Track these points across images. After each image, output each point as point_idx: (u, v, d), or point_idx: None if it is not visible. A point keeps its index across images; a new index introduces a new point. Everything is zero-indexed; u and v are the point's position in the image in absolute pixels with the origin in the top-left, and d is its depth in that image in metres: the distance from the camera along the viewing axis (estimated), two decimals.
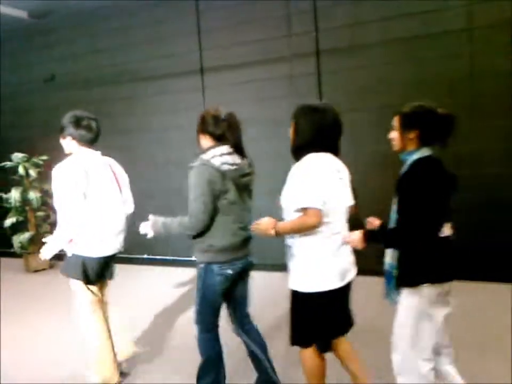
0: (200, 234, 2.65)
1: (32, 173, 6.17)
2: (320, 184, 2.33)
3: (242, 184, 2.69)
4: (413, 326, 2.25)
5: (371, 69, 5.00)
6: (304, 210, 2.31)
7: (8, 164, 6.25)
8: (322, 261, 2.40)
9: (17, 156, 6.28)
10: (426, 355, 2.27)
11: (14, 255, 6.47)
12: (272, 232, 2.39)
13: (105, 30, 6.33)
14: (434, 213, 2.15)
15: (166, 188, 6.15)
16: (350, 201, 2.54)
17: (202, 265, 2.71)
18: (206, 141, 2.74)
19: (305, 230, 2.35)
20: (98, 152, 3.18)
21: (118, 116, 6.33)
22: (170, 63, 5.94)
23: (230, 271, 2.70)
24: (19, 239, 6.19)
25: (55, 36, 6.69)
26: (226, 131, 2.68)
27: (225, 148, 2.66)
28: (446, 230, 2.25)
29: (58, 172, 2.93)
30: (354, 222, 2.52)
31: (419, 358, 2.27)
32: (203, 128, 2.74)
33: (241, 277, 2.83)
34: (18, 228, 6.29)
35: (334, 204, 2.39)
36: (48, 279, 5.89)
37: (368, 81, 5.02)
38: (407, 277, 2.23)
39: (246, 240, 2.76)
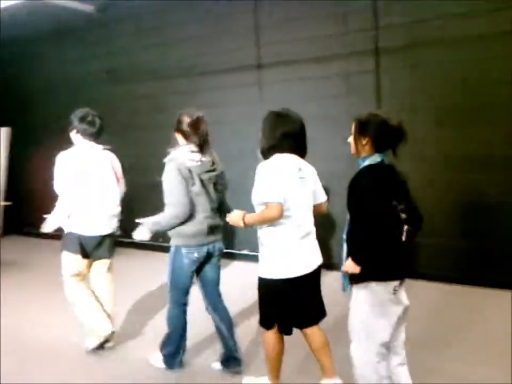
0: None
1: None
2: (280, 181, 2.61)
3: (206, 178, 3.04)
4: (363, 319, 2.41)
5: (430, 67, 4.87)
6: (266, 204, 2.60)
7: None
8: (286, 251, 2.68)
9: None
10: (377, 349, 2.40)
11: None
12: (241, 223, 2.71)
13: (164, 25, 6.46)
14: (380, 218, 2.28)
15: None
16: (319, 198, 2.86)
17: (172, 248, 3.11)
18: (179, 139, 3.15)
19: (267, 221, 2.65)
20: (100, 146, 3.61)
21: (173, 109, 6.44)
22: (227, 58, 5.99)
23: (196, 255, 3.08)
24: None
25: (116, 29, 6.89)
26: (193, 131, 3.07)
27: (192, 146, 3.04)
28: (404, 231, 2.38)
29: (57, 159, 3.45)
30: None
31: (371, 351, 2.40)
32: (177, 127, 3.17)
33: (209, 261, 3.18)
34: None
35: (295, 199, 2.67)
36: None
37: (427, 80, 4.89)
38: (357, 273, 2.37)
39: (213, 228, 3.11)
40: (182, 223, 3.01)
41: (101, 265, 3.67)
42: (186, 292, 3.18)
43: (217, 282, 3.31)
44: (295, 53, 5.53)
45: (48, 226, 3.52)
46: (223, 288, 3.35)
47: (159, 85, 6.57)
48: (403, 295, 2.49)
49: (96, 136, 3.59)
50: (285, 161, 2.71)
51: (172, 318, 3.24)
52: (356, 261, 2.34)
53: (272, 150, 2.74)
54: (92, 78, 7.18)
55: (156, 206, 3.15)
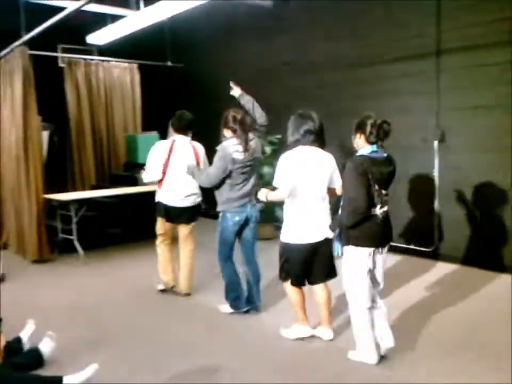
0: (216, 194, 4.09)
1: (268, 150, 6.71)
2: (290, 170, 3.41)
3: (246, 166, 4.01)
4: (348, 272, 3.24)
5: None
6: (278, 186, 3.44)
7: None
8: (293, 223, 3.51)
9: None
10: (362, 296, 3.21)
11: None
12: (264, 198, 3.55)
13: (342, 15, 6.47)
14: (358, 197, 3.07)
15: None
16: (333, 183, 3.55)
17: (221, 213, 4.09)
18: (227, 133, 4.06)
19: (278, 199, 3.55)
20: (188, 138, 4.69)
21: (349, 98, 6.47)
22: (404, 45, 5.79)
23: (237, 218, 4.02)
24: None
25: (295, 21, 7.09)
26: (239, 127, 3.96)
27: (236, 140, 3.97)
28: (377, 210, 3.12)
29: (155, 145, 4.69)
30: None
31: (358, 295, 3.22)
32: (225, 123, 4.04)
33: (247, 225, 4.09)
34: None
35: (303, 183, 3.42)
36: None
37: None
38: (344, 239, 3.20)
39: (249, 199, 4.06)
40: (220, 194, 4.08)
41: (183, 229, 4.73)
42: (232, 248, 4.13)
43: (253, 242, 4.17)
44: (477, 37, 5.12)
45: (143, 177, 4.71)
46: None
47: (336, 76, 6.63)
48: (379, 261, 3.24)
49: (185, 129, 4.67)
50: (297, 154, 3.46)
51: (224, 270, 4.17)
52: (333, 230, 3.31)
53: (295, 143, 3.48)
54: (272, 69, 7.51)
55: None
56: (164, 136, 8.74)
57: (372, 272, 3.23)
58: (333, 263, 3.59)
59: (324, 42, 6.72)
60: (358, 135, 3.22)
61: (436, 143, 5.59)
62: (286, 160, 3.46)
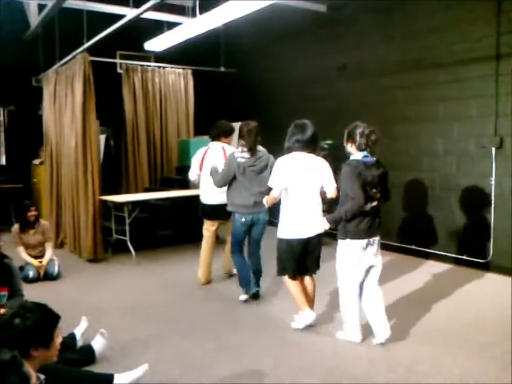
0: (227, 195, 4.72)
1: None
2: (282, 172, 3.86)
3: (249, 170, 4.53)
4: (341, 261, 3.72)
5: None
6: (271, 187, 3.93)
7: None
8: (286, 221, 3.93)
9: None
10: (352, 283, 3.70)
11: None
12: (265, 202, 4.06)
13: (396, 19, 6.38)
14: (356, 195, 3.50)
15: (444, 178, 5.96)
16: (324, 186, 3.92)
17: (232, 213, 4.71)
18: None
19: (272, 200, 3.97)
20: (221, 144, 5.28)
21: (403, 103, 6.36)
22: (463, 49, 5.64)
23: (243, 219, 4.60)
24: None
25: (348, 26, 7.05)
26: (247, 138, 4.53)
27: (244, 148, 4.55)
28: (367, 207, 3.57)
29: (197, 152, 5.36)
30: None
31: (349, 282, 3.71)
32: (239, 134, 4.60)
33: (255, 225, 4.65)
34: None
35: (294, 185, 3.86)
36: None
37: None
38: (339, 233, 3.70)
39: (254, 203, 4.52)
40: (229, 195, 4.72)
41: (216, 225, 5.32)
42: (242, 243, 4.77)
43: (258, 239, 4.76)
44: None
45: (189, 176, 5.38)
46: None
47: (390, 80, 6.54)
48: (371, 251, 3.66)
49: (219, 137, 5.30)
50: (289, 159, 3.89)
51: (236, 261, 4.80)
52: (330, 222, 3.72)
53: (288, 150, 3.93)
54: (325, 74, 7.49)
55: None
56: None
57: (364, 261, 3.67)
58: (319, 256, 4.06)
59: (376, 46, 6.64)
60: (349, 144, 3.68)
61: (493, 149, 5.41)
62: (280, 163, 3.92)
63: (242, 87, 9.10)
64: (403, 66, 6.34)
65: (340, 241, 3.72)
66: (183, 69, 8.93)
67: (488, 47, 5.37)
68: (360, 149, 3.60)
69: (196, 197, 5.62)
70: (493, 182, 5.44)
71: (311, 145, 3.90)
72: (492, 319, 4.18)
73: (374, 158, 3.64)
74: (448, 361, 3.43)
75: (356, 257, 3.65)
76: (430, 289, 5.00)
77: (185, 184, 7.66)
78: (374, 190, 3.59)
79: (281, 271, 4.04)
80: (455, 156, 5.84)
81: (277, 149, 4.21)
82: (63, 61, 7.10)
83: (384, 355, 3.56)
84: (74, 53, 6.64)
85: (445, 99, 5.90)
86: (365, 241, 3.63)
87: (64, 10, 6.92)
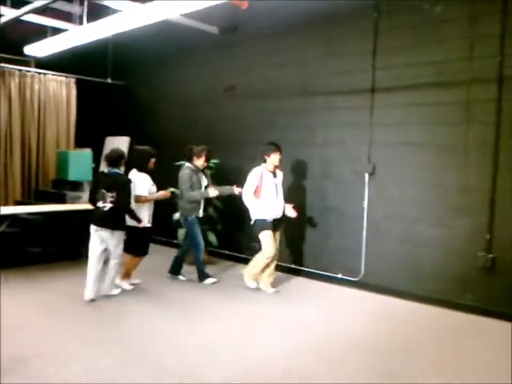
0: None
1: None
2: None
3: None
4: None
5: None
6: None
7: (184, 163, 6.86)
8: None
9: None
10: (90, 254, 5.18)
11: (177, 245, 7.05)
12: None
13: (283, 46, 6.65)
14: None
15: (319, 201, 6.25)
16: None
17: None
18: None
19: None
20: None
21: (287, 128, 6.61)
22: (342, 80, 6.03)
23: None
24: (182, 233, 6.74)
25: (238, 50, 7.22)
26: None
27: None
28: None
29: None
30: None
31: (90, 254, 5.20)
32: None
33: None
34: None
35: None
36: None
37: None
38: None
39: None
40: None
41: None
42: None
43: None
44: (412, 77, 5.42)
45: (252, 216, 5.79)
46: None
47: (276, 103, 6.77)
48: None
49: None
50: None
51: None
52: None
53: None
54: (213, 94, 7.57)
55: None
56: (97, 153, 8.58)
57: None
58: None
59: (265, 70, 6.87)
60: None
61: (366, 175, 5.81)
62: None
63: (129, 101, 8.89)
64: (287, 91, 6.61)
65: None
66: (65, 77, 8.52)
67: (365, 81, 5.79)
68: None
69: (73, 212, 5.33)
70: (365, 206, 5.82)
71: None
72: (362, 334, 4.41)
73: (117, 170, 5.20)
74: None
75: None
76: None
77: (62, 198, 7.25)
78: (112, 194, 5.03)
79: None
80: (331, 179, 6.17)
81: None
82: None
83: None
84: None
85: (323, 126, 6.24)
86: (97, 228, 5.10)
87: None
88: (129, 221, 5.27)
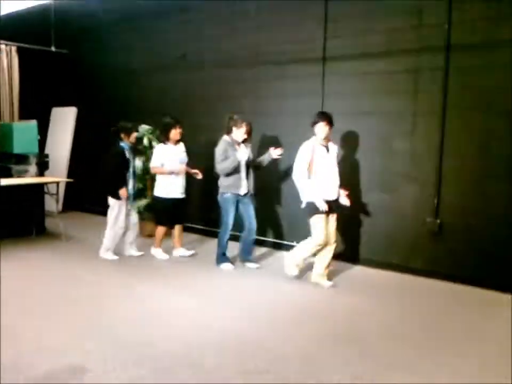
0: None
1: (155, 144, 6.53)
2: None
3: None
4: None
5: (505, 68, 4.65)
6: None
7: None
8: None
9: (143, 128, 6.72)
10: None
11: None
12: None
13: (236, 13, 6.52)
14: None
15: (275, 168, 6.27)
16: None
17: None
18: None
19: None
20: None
21: (239, 97, 6.53)
22: (294, 48, 5.98)
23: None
24: (138, 205, 6.58)
25: (189, 15, 7.02)
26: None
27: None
28: None
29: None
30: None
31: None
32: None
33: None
34: (138, 194, 6.71)
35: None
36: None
37: (501, 82, 4.68)
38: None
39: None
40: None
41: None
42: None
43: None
44: (363, 46, 5.44)
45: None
46: None
47: (228, 72, 6.67)
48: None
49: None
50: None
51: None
52: None
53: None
54: (167, 62, 7.38)
55: None
56: (43, 125, 8.25)
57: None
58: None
59: (219, 38, 6.73)
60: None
61: None
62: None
63: (75, 70, 8.55)
64: (241, 60, 6.52)
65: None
66: (5, 45, 8.09)
67: (317, 49, 5.77)
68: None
69: (21, 186, 5.09)
70: None
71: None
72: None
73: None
74: None
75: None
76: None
77: (8, 172, 6.98)
78: None
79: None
80: (287, 147, 6.18)
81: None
82: None
83: None
84: None
85: (277, 95, 6.21)
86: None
87: None
88: (155, 191, 5.79)
